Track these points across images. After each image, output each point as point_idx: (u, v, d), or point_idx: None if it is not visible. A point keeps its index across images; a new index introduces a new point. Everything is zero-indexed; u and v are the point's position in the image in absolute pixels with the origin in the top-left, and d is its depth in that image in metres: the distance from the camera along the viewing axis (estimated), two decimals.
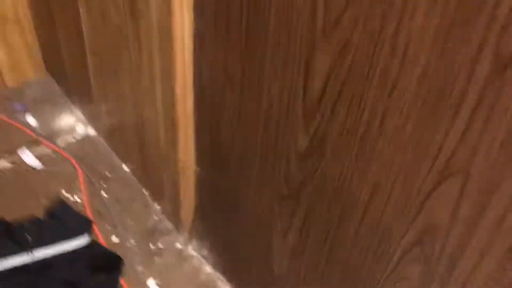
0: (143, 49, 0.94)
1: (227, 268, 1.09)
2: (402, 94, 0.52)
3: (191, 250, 1.16)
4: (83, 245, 1.10)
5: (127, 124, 1.18)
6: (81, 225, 1.13)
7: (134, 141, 1.18)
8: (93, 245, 1.11)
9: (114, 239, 1.16)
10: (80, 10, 1.13)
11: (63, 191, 1.25)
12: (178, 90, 0.89)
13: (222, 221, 1.02)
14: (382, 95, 0.54)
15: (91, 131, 1.43)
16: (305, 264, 0.82)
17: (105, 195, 1.25)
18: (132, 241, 1.16)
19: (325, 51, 0.59)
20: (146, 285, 1.08)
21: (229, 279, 1.10)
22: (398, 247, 0.63)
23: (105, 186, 1.28)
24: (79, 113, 1.48)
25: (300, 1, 0.60)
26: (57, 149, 1.35)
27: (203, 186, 1.03)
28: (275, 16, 0.64)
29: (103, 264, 1.08)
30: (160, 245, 1.17)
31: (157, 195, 1.23)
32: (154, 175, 1.18)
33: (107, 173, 1.31)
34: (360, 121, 0.58)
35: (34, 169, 1.29)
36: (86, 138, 1.41)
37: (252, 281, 1.00)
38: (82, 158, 1.34)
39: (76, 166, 1.31)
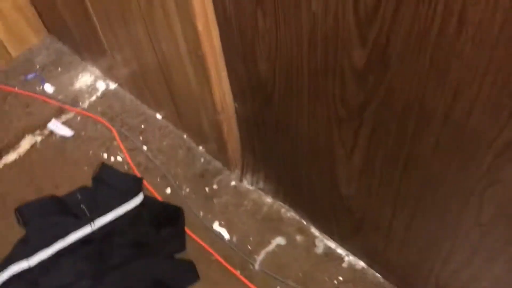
0: None
1: (287, 195, 1.06)
2: None
3: (247, 185, 1.13)
4: (139, 204, 1.07)
5: (150, 70, 1.09)
6: (132, 184, 1.10)
7: (162, 86, 1.10)
8: (149, 202, 1.09)
9: (168, 190, 1.13)
10: None
11: (103, 154, 1.21)
12: (199, 23, 0.79)
13: (273, 152, 0.96)
14: None
15: (112, 85, 1.35)
16: (376, 183, 0.77)
17: (145, 148, 1.21)
18: (186, 188, 1.13)
19: None
20: (212, 228, 1.06)
21: (292, 206, 1.07)
22: (488, 151, 0.56)
23: (143, 139, 1.23)
24: (94, 69, 1.39)
25: None
26: (83, 112, 1.30)
27: (247, 120, 0.97)
28: None
29: (165, 218, 1.06)
30: (214, 186, 1.13)
31: (199, 138, 1.17)
32: (191, 118, 1.11)
33: (141, 125, 1.25)
34: (433, 18, 0.49)
35: (67, 138, 1.25)
36: (109, 94, 1.34)
37: (317, 204, 0.97)
38: (112, 116, 1.28)
39: (108, 125, 1.26)
